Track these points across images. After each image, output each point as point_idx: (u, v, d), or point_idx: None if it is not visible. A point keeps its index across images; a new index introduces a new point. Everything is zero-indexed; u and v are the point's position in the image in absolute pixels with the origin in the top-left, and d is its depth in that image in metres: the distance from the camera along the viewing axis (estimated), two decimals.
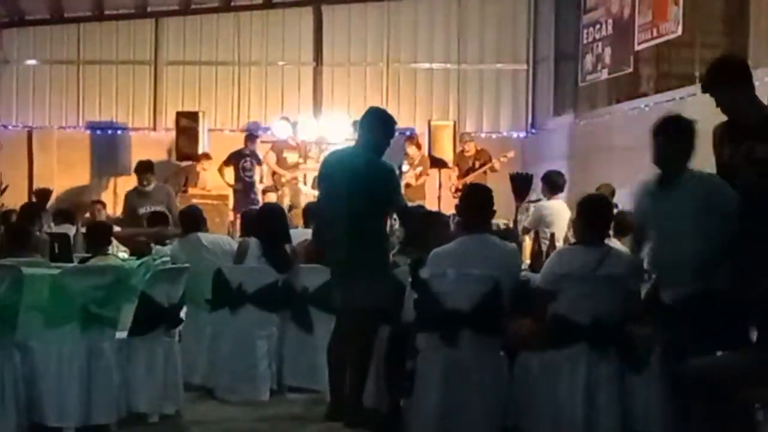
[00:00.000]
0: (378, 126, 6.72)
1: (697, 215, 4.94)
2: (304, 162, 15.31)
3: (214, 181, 15.08)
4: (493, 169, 14.51)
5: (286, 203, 14.02)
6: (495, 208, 6.33)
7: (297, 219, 11.00)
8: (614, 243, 6.56)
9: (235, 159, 15.11)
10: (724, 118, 5.15)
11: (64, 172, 16.35)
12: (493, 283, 5.74)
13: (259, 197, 14.63)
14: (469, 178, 14.30)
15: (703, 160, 5.19)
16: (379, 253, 6.58)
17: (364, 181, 6.51)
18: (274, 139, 15.68)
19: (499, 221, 8.88)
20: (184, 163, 15.59)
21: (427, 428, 5.79)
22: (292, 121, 15.77)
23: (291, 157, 15.22)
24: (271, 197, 14.18)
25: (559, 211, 9.66)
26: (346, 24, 17.14)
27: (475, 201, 6.29)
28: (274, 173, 15.19)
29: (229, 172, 15.10)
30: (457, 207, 7.57)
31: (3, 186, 13.79)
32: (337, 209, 6.59)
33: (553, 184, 9.97)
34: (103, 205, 14.05)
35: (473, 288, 5.76)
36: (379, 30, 17.15)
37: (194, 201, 12.15)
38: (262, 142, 15.70)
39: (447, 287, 5.82)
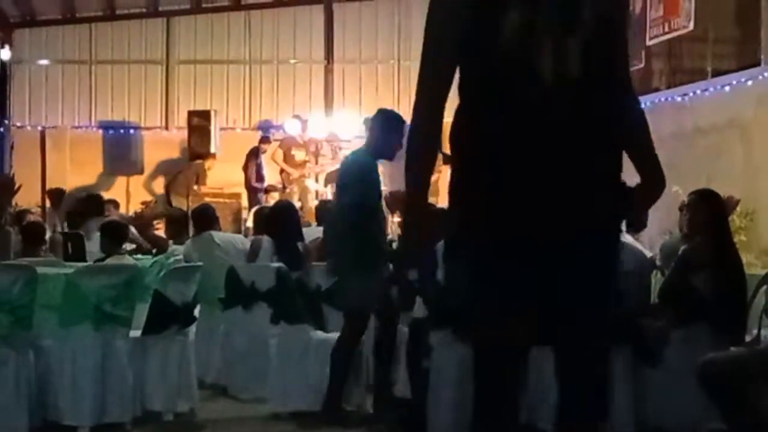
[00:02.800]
0: (377, 125, 6.73)
1: None
2: (313, 160, 15.31)
3: (223, 180, 15.10)
4: None
5: (295, 201, 14.04)
6: None
7: (309, 217, 11.01)
8: (627, 238, 6.55)
9: (253, 158, 15.17)
10: (742, 114, 4.81)
11: (77, 172, 16.37)
12: None
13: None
14: None
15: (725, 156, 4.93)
16: (356, 250, 6.44)
17: (341, 179, 6.77)
18: (283, 137, 15.71)
19: None
20: (194, 162, 15.62)
21: (444, 424, 5.79)
22: (304, 118, 15.79)
23: (299, 154, 15.22)
24: (274, 196, 14.19)
25: None
26: (357, 21, 17.13)
27: None
28: (282, 171, 15.20)
29: (250, 171, 15.15)
30: None
31: (16, 186, 13.82)
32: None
33: None
34: (116, 204, 14.05)
35: None
36: (390, 27, 17.12)
37: (207, 199, 12.16)
38: (275, 140, 15.72)
39: None
